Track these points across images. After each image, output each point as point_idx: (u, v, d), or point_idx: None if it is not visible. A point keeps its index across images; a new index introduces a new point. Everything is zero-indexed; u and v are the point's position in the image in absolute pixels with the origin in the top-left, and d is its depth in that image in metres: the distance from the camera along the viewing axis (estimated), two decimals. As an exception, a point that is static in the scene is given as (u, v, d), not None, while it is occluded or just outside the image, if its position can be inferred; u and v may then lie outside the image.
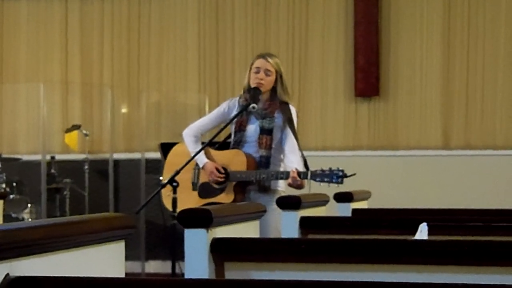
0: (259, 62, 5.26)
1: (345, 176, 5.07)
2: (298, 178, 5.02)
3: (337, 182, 5.05)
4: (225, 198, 5.27)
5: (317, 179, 5.04)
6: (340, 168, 5.10)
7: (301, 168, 5.11)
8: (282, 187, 5.30)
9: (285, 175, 5.09)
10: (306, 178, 5.05)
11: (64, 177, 8.60)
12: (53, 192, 8.57)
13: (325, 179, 5.04)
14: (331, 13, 8.84)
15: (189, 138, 5.40)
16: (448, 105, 8.59)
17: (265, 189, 5.24)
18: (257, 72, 5.24)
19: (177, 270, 6.00)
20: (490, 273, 2.78)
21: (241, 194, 5.27)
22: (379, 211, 5.39)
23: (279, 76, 5.28)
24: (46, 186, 8.42)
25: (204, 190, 5.38)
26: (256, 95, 5.19)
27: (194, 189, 5.42)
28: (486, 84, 8.53)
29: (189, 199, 5.31)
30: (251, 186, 5.27)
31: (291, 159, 5.21)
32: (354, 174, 5.08)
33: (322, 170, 5.06)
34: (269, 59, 5.27)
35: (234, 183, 5.26)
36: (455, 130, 8.58)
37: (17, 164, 8.69)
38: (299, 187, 5.08)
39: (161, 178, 5.81)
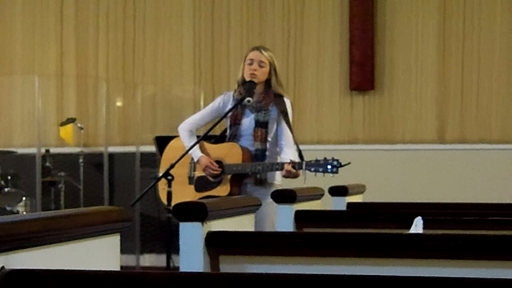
0: (253, 54, 5.29)
1: (340, 165, 5.06)
2: (293, 170, 5.03)
3: (332, 172, 5.03)
4: (221, 191, 5.28)
5: (312, 169, 5.03)
6: (335, 158, 5.09)
7: (296, 160, 5.12)
8: (279, 181, 5.30)
9: (280, 166, 5.11)
10: (301, 168, 5.05)
11: (59, 170, 8.58)
12: (48, 185, 8.55)
13: (320, 169, 5.03)
14: (327, 6, 8.82)
15: (184, 133, 5.43)
16: (444, 99, 8.58)
17: (262, 182, 5.25)
18: (251, 64, 5.25)
19: (172, 264, 6.00)
20: (485, 267, 2.78)
21: (237, 187, 5.28)
22: (374, 205, 5.39)
23: (273, 68, 5.29)
24: (41, 179, 8.41)
25: (201, 183, 5.39)
26: (251, 88, 5.19)
27: (190, 183, 5.43)
28: (481, 78, 8.52)
29: (185, 193, 5.32)
30: (248, 179, 5.28)
31: (286, 152, 5.23)
32: (348, 163, 5.07)
33: (317, 160, 5.06)
34: (263, 51, 5.30)
35: (229, 175, 5.26)
36: (450, 124, 8.57)
37: (12, 157, 8.67)
38: (295, 177, 5.09)
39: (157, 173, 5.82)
